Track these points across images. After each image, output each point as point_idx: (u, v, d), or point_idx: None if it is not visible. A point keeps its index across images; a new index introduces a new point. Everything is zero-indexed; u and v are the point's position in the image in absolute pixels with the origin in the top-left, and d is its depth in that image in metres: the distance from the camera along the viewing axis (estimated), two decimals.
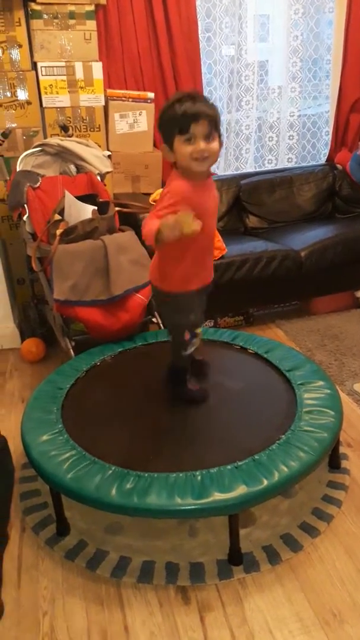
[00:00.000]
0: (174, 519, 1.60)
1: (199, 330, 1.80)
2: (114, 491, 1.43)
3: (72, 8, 2.58)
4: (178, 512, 1.41)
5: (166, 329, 1.85)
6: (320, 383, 1.85)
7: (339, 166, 3.44)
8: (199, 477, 1.46)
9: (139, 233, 2.38)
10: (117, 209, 2.46)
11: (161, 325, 2.37)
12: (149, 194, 2.85)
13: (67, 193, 2.30)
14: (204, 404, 1.82)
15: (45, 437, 1.65)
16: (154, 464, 1.53)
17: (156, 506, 1.40)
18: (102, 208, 2.36)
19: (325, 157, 3.58)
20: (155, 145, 2.95)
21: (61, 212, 2.29)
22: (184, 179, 1.49)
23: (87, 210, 2.32)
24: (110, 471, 1.49)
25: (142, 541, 1.59)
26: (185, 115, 1.38)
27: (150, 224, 1.42)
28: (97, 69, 2.69)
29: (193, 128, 1.39)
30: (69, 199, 2.29)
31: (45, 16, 2.55)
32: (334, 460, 1.83)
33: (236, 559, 1.51)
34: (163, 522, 1.61)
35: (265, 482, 1.44)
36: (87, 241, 2.18)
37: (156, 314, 2.37)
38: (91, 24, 2.65)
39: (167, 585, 1.47)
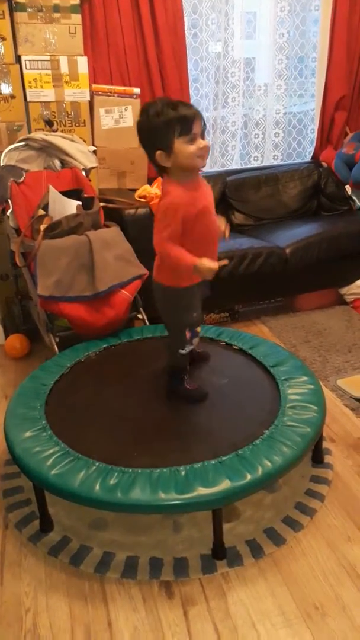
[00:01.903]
0: (158, 514, 1.60)
1: (199, 329, 1.82)
2: (97, 487, 1.43)
3: (57, 1, 2.55)
4: (162, 507, 1.41)
5: (167, 329, 1.84)
6: (304, 378, 1.87)
7: (324, 164, 3.46)
8: (183, 472, 1.46)
9: (124, 229, 2.39)
10: (102, 204, 2.45)
11: (146, 321, 2.36)
12: (134, 190, 2.84)
13: (51, 188, 2.28)
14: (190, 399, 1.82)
15: (28, 434, 1.64)
16: (138, 459, 1.53)
17: (140, 501, 1.40)
18: (87, 203, 2.35)
19: (311, 155, 3.59)
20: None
21: (45, 207, 2.27)
22: (178, 185, 1.52)
23: (72, 206, 2.30)
24: (94, 467, 1.49)
25: (126, 536, 1.59)
26: (185, 117, 1.45)
27: (178, 253, 1.53)
28: (83, 64, 2.67)
29: (194, 128, 1.47)
30: (53, 194, 2.27)
31: (29, 9, 2.52)
32: (317, 455, 1.85)
33: (220, 553, 1.52)
34: (147, 517, 1.61)
35: (249, 476, 1.45)
36: (71, 236, 2.17)
37: (141, 310, 2.37)
38: (76, 18, 2.62)
39: (151, 581, 1.47)
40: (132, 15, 2.86)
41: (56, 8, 2.56)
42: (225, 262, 1.57)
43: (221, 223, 1.70)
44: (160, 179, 2.73)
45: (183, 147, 1.47)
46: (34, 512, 1.66)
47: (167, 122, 1.45)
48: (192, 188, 1.56)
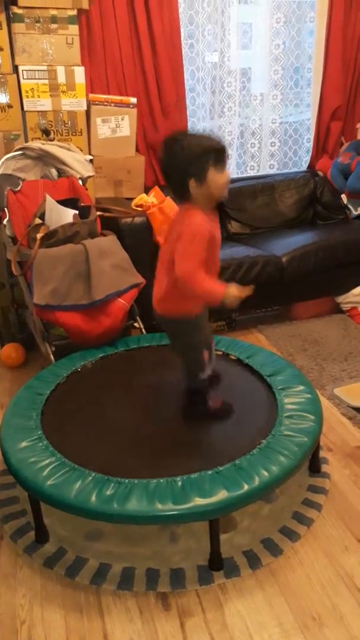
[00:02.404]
0: (155, 525, 1.59)
1: (213, 345, 1.80)
2: (93, 498, 1.42)
3: (54, 12, 2.57)
4: (158, 518, 1.41)
5: (182, 355, 1.79)
6: (301, 388, 1.86)
7: (320, 173, 3.48)
8: (180, 483, 1.46)
9: (121, 237, 2.40)
10: (98, 213, 2.45)
11: (143, 330, 2.36)
12: (131, 199, 2.84)
13: (48, 197, 2.29)
14: (187, 410, 1.82)
15: (24, 444, 1.63)
16: (135, 470, 1.52)
17: (136, 512, 1.39)
18: (84, 212, 2.35)
19: (307, 164, 3.62)
20: (144, 156, 2.95)
21: (42, 216, 2.27)
22: (202, 213, 1.53)
23: (68, 215, 2.30)
24: (90, 478, 1.48)
25: (123, 547, 1.58)
26: (221, 148, 1.50)
27: (209, 283, 1.52)
28: (80, 74, 2.68)
29: (225, 160, 1.52)
30: (50, 203, 2.28)
31: (27, 20, 2.54)
32: (315, 465, 1.84)
33: (217, 564, 1.51)
34: (144, 528, 1.60)
35: (246, 487, 1.44)
36: (67, 245, 2.17)
37: (138, 318, 2.37)
38: (73, 29, 2.64)
39: (148, 592, 1.46)
40: (128, 26, 2.89)
41: (53, 19, 2.58)
42: (251, 288, 1.53)
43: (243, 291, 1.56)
44: (156, 188, 2.76)
45: (216, 177, 1.49)
46: (30, 523, 1.65)
47: (205, 152, 1.47)
48: (212, 219, 1.58)
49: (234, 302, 1.50)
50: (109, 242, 2.30)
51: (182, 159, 1.48)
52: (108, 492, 1.43)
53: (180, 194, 1.54)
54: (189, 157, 1.47)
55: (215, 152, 1.48)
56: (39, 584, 1.51)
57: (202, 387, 1.80)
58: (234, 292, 1.50)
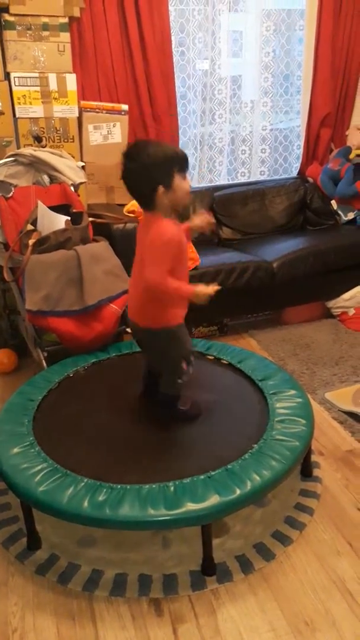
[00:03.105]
0: (147, 531, 1.59)
1: (192, 358, 1.81)
2: (86, 503, 1.42)
3: (46, 20, 2.58)
4: (151, 524, 1.41)
5: (162, 365, 1.80)
6: (292, 392, 1.88)
7: (310, 179, 3.52)
8: (172, 488, 1.46)
9: (113, 243, 2.40)
10: (91, 219, 2.46)
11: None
12: (123, 205, 2.86)
13: (40, 203, 2.29)
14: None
15: (16, 450, 1.63)
16: (127, 475, 1.52)
17: (129, 518, 1.39)
18: (76, 218, 2.36)
19: (297, 171, 3.65)
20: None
21: (34, 222, 2.28)
22: (170, 220, 1.55)
23: (60, 221, 2.31)
24: (83, 483, 1.48)
25: (115, 553, 1.57)
26: (183, 155, 1.54)
27: (177, 285, 1.55)
28: (71, 81, 2.70)
29: (187, 166, 1.56)
30: (42, 209, 2.28)
31: (18, 27, 2.55)
32: (306, 469, 1.85)
33: (209, 569, 1.51)
34: (136, 533, 1.60)
35: (238, 491, 1.45)
36: (60, 251, 2.17)
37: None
38: (65, 36, 2.66)
39: (140, 598, 1.46)
40: (120, 34, 2.91)
41: (45, 26, 2.59)
42: (217, 286, 1.57)
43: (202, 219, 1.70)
44: None
45: (181, 184, 1.53)
46: (22, 530, 1.64)
47: (171, 159, 1.51)
48: (179, 225, 1.60)
49: (205, 300, 1.55)
50: (101, 248, 2.30)
51: (150, 166, 1.49)
52: (100, 498, 1.43)
53: (147, 202, 1.55)
54: (156, 165, 1.49)
55: (179, 159, 1.52)
56: (31, 591, 1.50)
57: (177, 392, 1.80)
58: (202, 289, 1.54)
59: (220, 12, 3.20)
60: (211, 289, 1.55)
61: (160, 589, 1.47)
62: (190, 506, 1.40)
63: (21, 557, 1.58)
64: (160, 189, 1.50)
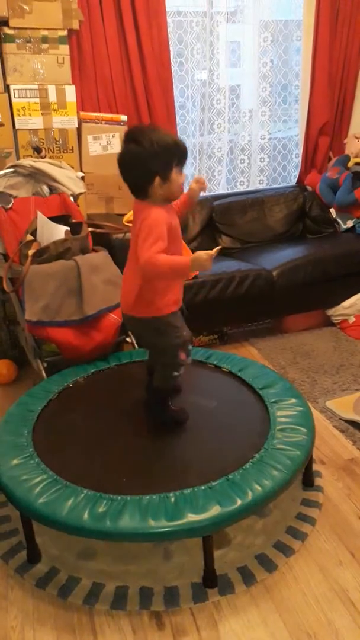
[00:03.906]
0: (148, 542, 1.58)
1: (190, 347, 1.77)
2: (86, 515, 1.41)
3: (45, 33, 2.61)
4: (151, 535, 1.40)
5: (157, 354, 1.78)
6: (293, 401, 1.87)
7: (309, 188, 3.53)
8: (173, 499, 1.45)
9: (112, 253, 2.41)
10: (90, 229, 2.47)
11: (135, 345, 2.36)
12: (122, 215, 2.87)
13: (39, 214, 2.30)
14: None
15: (15, 462, 1.62)
16: (127, 486, 1.51)
17: (129, 529, 1.38)
18: (75, 229, 2.37)
19: (296, 179, 3.66)
20: None
21: (34, 233, 2.28)
22: (159, 206, 1.54)
23: (60, 231, 2.31)
24: (83, 495, 1.47)
25: (116, 566, 1.56)
26: (184, 149, 1.52)
27: (170, 260, 1.47)
28: (70, 92, 2.72)
29: (185, 161, 1.55)
30: (42, 219, 2.29)
31: (18, 40, 2.58)
32: (308, 478, 1.84)
33: (211, 581, 1.49)
34: (137, 545, 1.59)
35: (239, 501, 1.44)
36: (59, 261, 2.17)
37: (130, 333, 2.37)
38: (64, 48, 2.68)
39: (141, 611, 1.45)
40: (118, 45, 2.93)
41: (44, 39, 2.61)
42: (219, 248, 1.52)
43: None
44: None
45: (177, 177, 1.52)
46: (21, 543, 1.63)
47: (173, 149, 1.49)
48: (169, 212, 1.59)
49: (207, 264, 1.44)
50: (101, 257, 2.31)
51: (151, 154, 1.46)
52: (100, 510, 1.42)
53: (140, 190, 1.53)
54: (158, 153, 1.47)
55: (179, 152, 1.51)
56: (30, 605, 1.49)
57: (171, 386, 1.79)
58: (201, 255, 1.44)
59: (218, 23, 3.23)
60: (210, 251, 1.46)
61: (161, 602, 1.45)
62: (191, 517, 1.39)
63: (21, 570, 1.57)
64: (157, 179, 1.49)
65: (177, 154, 1.50)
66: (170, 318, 1.68)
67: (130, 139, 1.50)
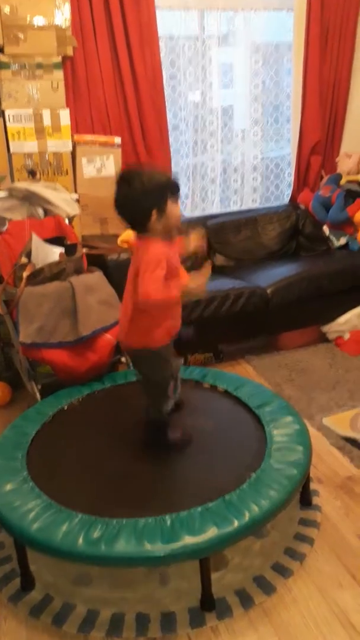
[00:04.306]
0: (145, 567, 1.55)
1: (179, 376, 1.82)
2: (80, 540, 1.39)
3: (40, 59, 2.66)
4: (147, 560, 1.38)
5: (149, 387, 1.80)
6: (289, 419, 1.86)
7: (301, 206, 3.56)
8: (169, 521, 1.44)
9: (107, 273, 2.42)
10: (85, 250, 2.48)
11: (130, 365, 2.35)
12: (117, 236, 2.89)
13: (34, 236, 2.32)
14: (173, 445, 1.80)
15: (9, 486, 1.60)
16: (123, 509, 1.50)
17: (125, 554, 1.36)
18: (70, 250, 2.38)
19: (289, 198, 3.70)
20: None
21: (28, 255, 2.29)
22: (160, 241, 1.58)
23: (55, 253, 2.33)
24: (77, 519, 1.46)
25: (112, 592, 1.54)
26: (175, 182, 1.59)
27: (167, 293, 1.52)
28: (65, 116, 2.76)
29: (179, 192, 1.60)
30: (36, 241, 2.31)
31: (13, 67, 2.62)
32: (305, 497, 1.83)
33: (208, 605, 1.47)
34: (133, 570, 1.57)
35: (237, 522, 1.42)
36: (53, 283, 2.18)
37: (125, 353, 2.37)
38: (58, 74, 2.73)
39: (138, 638, 1.42)
40: (112, 70, 2.98)
41: (39, 65, 2.66)
42: (209, 265, 1.60)
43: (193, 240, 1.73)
44: None
45: (174, 208, 1.57)
46: (15, 570, 1.60)
47: (164, 185, 1.55)
48: (169, 247, 1.62)
49: (201, 289, 1.55)
50: (96, 278, 2.32)
51: (145, 191, 1.52)
52: (95, 534, 1.40)
53: (140, 226, 1.58)
54: (151, 191, 1.52)
55: (171, 185, 1.57)
56: (24, 635, 1.46)
57: (164, 418, 1.79)
58: (194, 280, 1.55)
59: (210, 47, 3.29)
60: (202, 276, 1.55)
61: (158, 628, 1.43)
62: (188, 540, 1.38)
63: (14, 598, 1.54)
64: (154, 213, 1.53)
65: (169, 187, 1.56)
66: (162, 351, 1.70)
67: (122, 182, 1.56)
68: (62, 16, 2.64)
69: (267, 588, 1.53)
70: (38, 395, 2.16)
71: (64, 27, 2.66)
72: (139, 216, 1.56)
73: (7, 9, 2.53)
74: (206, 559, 1.44)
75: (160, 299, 1.53)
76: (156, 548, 1.36)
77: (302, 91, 3.44)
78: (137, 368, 1.80)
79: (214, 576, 1.51)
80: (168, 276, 1.56)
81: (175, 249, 1.66)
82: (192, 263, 1.79)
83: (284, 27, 3.43)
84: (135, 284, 1.57)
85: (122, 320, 1.72)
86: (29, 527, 1.44)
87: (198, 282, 1.55)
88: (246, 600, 1.49)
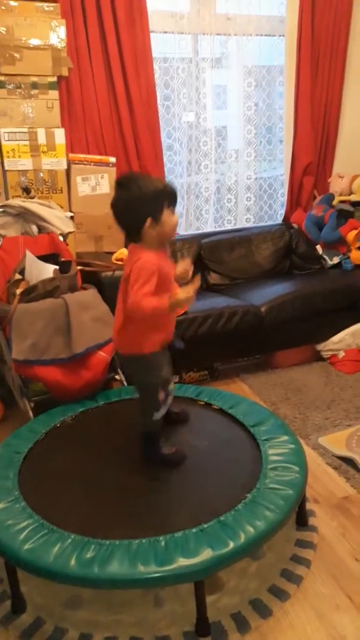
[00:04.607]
0: (138, 589, 1.52)
1: (171, 387, 1.80)
2: (73, 562, 1.36)
3: (35, 79, 2.69)
4: (141, 582, 1.35)
5: (139, 392, 1.80)
6: (285, 438, 1.84)
7: (294, 225, 3.59)
8: (163, 543, 1.41)
9: (101, 291, 2.41)
10: (79, 267, 2.48)
11: (125, 382, 2.34)
12: (111, 253, 2.89)
13: (28, 253, 2.32)
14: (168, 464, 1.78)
15: (1, 505, 1.57)
16: (116, 530, 1.47)
17: (118, 576, 1.33)
18: (64, 267, 2.38)
19: (282, 217, 3.73)
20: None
21: (22, 272, 2.29)
22: (151, 251, 1.57)
23: (48, 270, 2.33)
24: (70, 540, 1.42)
25: (105, 615, 1.50)
26: (173, 191, 1.58)
27: (155, 302, 1.53)
28: (60, 135, 2.78)
29: (176, 201, 1.60)
30: (30, 258, 2.30)
31: (8, 86, 2.65)
32: (301, 518, 1.80)
33: (203, 629, 1.44)
34: (126, 592, 1.53)
35: (232, 544, 1.40)
36: (47, 300, 2.17)
37: (119, 370, 2.35)
38: (54, 94, 2.76)
39: None
40: (107, 90, 3.02)
41: (34, 85, 2.69)
42: (197, 281, 1.60)
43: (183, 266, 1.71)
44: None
45: (169, 218, 1.57)
46: (6, 592, 1.56)
47: (161, 192, 1.55)
48: (161, 257, 1.62)
49: (188, 302, 1.55)
50: (90, 295, 2.31)
51: (141, 198, 1.52)
52: (88, 555, 1.37)
53: (134, 233, 1.58)
54: (147, 197, 1.52)
55: (169, 194, 1.56)
56: None
57: (155, 429, 1.77)
58: (181, 294, 1.54)
59: (204, 70, 3.35)
60: (190, 290, 1.55)
61: None
62: (182, 561, 1.35)
63: (4, 621, 1.49)
64: (149, 221, 1.53)
65: (166, 195, 1.56)
66: (152, 357, 1.69)
67: (120, 186, 1.56)
68: (58, 37, 2.68)
69: (264, 611, 1.49)
70: (31, 413, 2.13)
71: (59, 47, 2.70)
72: (133, 222, 1.56)
73: (3, 30, 2.57)
74: (201, 582, 1.41)
75: (150, 308, 1.52)
76: (150, 570, 1.33)
77: (294, 113, 3.50)
78: (126, 372, 1.79)
79: (209, 599, 1.48)
80: (160, 287, 1.56)
81: (166, 258, 1.66)
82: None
83: (276, 51, 3.50)
84: (125, 292, 1.57)
85: (115, 326, 1.72)
86: (20, 547, 1.41)
87: (187, 294, 1.55)
88: (242, 624, 1.46)
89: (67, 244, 2.60)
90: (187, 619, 1.46)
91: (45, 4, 2.66)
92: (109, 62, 2.97)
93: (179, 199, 3.46)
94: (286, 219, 3.70)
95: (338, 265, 3.39)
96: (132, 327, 1.64)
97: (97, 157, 2.96)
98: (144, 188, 1.52)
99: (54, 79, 2.74)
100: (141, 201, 1.52)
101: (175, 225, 1.61)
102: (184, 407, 2.04)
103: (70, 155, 2.90)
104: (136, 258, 1.56)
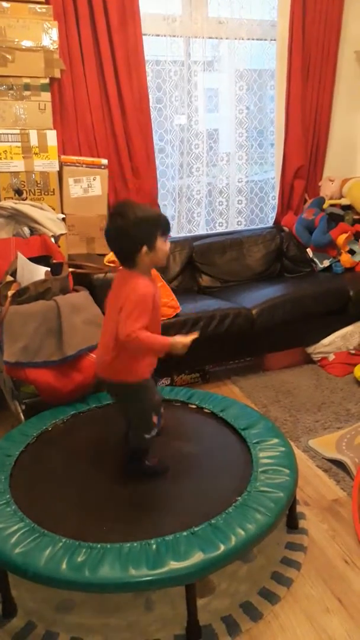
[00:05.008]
0: (129, 592, 1.52)
1: (162, 410, 1.83)
2: (64, 565, 1.35)
3: (27, 81, 2.68)
4: (132, 585, 1.35)
5: (131, 418, 1.79)
6: (275, 441, 1.86)
7: (285, 228, 3.61)
8: (154, 546, 1.41)
9: (93, 293, 2.41)
10: (71, 269, 2.47)
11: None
12: (103, 255, 2.89)
13: (19, 254, 2.30)
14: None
15: None
16: (107, 533, 1.47)
17: (109, 580, 1.33)
18: (56, 269, 2.37)
19: (273, 220, 3.75)
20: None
21: (13, 274, 2.28)
22: (145, 277, 1.60)
23: (40, 272, 2.32)
24: (61, 544, 1.42)
25: (96, 619, 1.50)
26: (166, 219, 1.63)
27: (152, 338, 1.55)
28: (52, 137, 2.77)
29: (169, 229, 1.64)
30: (22, 260, 2.29)
31: (0, 87, 2.64)
32: (292, 520, 1.81)
33: (194, 633, 1.44)
34: (118, 596, 1.53)
35: (223, 547, 1.40)
36: (39, 302, 2.17)
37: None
38: (46, 95, 2.75)
39: None
40: (99, 93, 3.02)
41: (27, 86, 2.69)
42: (196, 334, 1.63)
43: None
44: None
45: (163, 245, 1.60)
46: None
47: (155, 221, 1.58)
48: (153, 281, 1.65)
49: (182, 350, 1.58)
50: (81, 297, 2.31)
51: (138, 225, 1.55)
52: (79, 559, 1.37)
53: (129, 260, 1.60)
54: (144, 224, 1.55)
55: (162, 223, 1.60)
56: None
57: (146, 447, 1.78)
58: (179, 339, 1.58)
59: (195, 73, 3.36)
60: (189, 338, 1.58)
61: None
62: (173, 565, 1.35)
63: None
64: (144, 248, 1.55)
65: (160, 224, 1.59)
66: (144, 384, 1.70)
67: (115, 214, 1.59)
68: (50, 39, 2.68)
69: (254, 614, 1.50)
70: (22, 416, 2.12)
71: (51, 49, 2.70)
72: (129, 250, 1.58)
73: None
74: (192, 585, 1.41)
75: (143, 341, 1.53)
76: (141, 573, 1.33)
77: (285, 117, 3.52)
78: (117, 400, 1.80)
79: (200, 602, 1.49)
80: (152, 312, 1.58)
81: (155, 281, 1.67)
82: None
83: (267, 55, 3.52)
84: (117, 319, 1.55)
85: (101, 356, 1.70)
86: (11, 551, 1.40)
87: (184, 341, 1.57)
88: (233, 627, 1.46)
89: (59, 246, 2.59)
90: (178, 623, 1.46)
91: (37, 6, 2.65)
92: (101, 64, 2.98)
93: (170, 202, 3.48)
94: (277, 222, 3.71)
95: (328, 268, 3.42)
96: (125, 355, 1.62)
97: (89, 159, 2.96)
98: (140, 217, 1.55)
99: (46, 80, 2.74)
100: (138, 228, 1.55)
101: (167, 253, 1.63)
102: (176, 413, 2.04)
103: (63, 157, 2.89)
104: (133, 284, 1.56)
